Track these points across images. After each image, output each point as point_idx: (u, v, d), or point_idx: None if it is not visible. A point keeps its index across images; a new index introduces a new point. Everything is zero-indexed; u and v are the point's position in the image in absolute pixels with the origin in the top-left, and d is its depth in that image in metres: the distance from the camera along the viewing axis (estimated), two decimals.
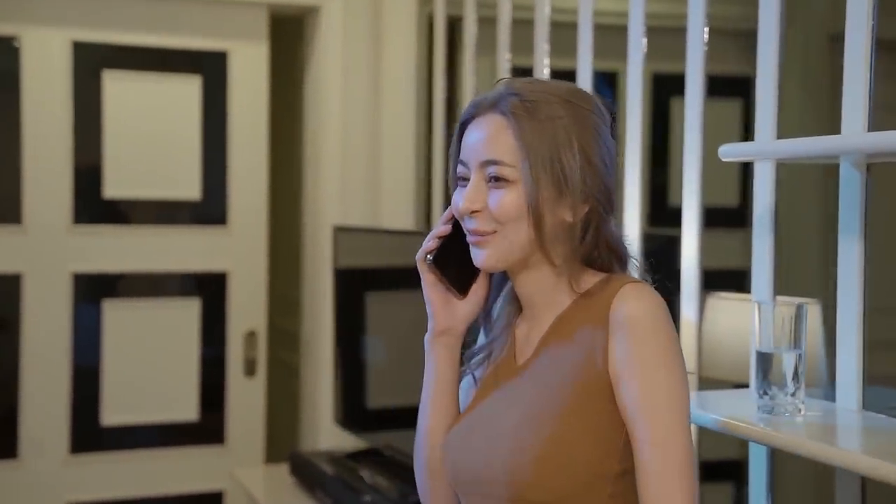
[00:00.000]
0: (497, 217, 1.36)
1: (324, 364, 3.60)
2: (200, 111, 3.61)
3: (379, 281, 3.30)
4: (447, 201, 3.60)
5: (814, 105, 3.86)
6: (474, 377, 1.50)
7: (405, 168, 3.59)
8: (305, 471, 3.20)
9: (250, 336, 3.67)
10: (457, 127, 1.45)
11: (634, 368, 1.29)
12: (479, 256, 1.39)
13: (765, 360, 1.71)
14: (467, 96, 3.23)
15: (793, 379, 1.70)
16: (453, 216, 1.45)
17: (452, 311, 1.47)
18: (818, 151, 1.68)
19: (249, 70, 3.66)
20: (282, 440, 3.99)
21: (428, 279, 1.47)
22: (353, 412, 3.36)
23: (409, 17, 3.58)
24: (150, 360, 3.57)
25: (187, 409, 3.62)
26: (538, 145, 1.34)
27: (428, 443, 1.49)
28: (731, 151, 1.78)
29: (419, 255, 1.47)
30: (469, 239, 1.40)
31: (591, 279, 1.40)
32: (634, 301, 1.31)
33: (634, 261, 1.45)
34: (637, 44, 2.35)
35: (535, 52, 2.78)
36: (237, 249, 3.66)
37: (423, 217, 3.61)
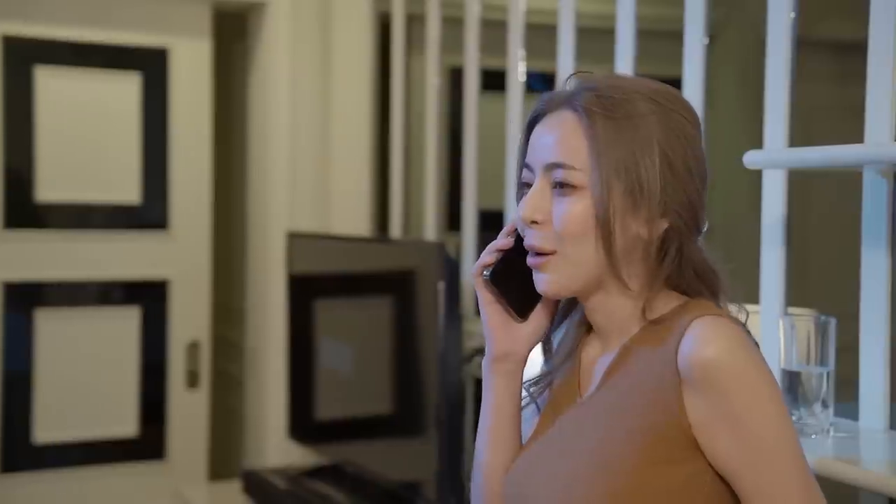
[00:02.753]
0: (560, 231, 1.20)
1: (271, 375, 3.45)
2: (140, 110, 3.43)
3: (334, 288, 3.17)
4: (406, 207, 3.50)
5: (747, 107, 3.87)
6: (538, 406, 1.35)
7: (359, 172, 3.47)
8: (260, 489, 3.06)
9: (193, 346, 3.51)
10: (524, 125, 1.28)
11: (723, 423, 1.12)
12: (541, 282, 1.23)
13: (792, 379, 1.65)
14: (430, 97, 3.13)
15: (821, 398, 1.64)
16: (516, 228, 1.28)
17: (513, 333, 1.30)
18: (845, 160, 1.62)
19: (191, 68, 3.49)
20: (224, 455, 3.82)
21: (485, 298, 1.30)
22: (305, 425, 3.22)
23: (361, 14, 3.46)
24: (87, 373, 3.38)
25: (126, 424, 3.43)
26: (612, 147, 1.17)
27: (486, 479, 1.33)
28: (757, 160, 1.71)
29: (475, 271, 1.30)
30: (529, 260, 1.24)
31: (667, 304, 1.22)
32: (703, 344, 1.12)
33: (727, 290, 1.24)
34: (627, 47, 2.28)
35: (508, 54, 2.69)
36: (179, 256, 3.49)
37: (379, 223, 3.49)
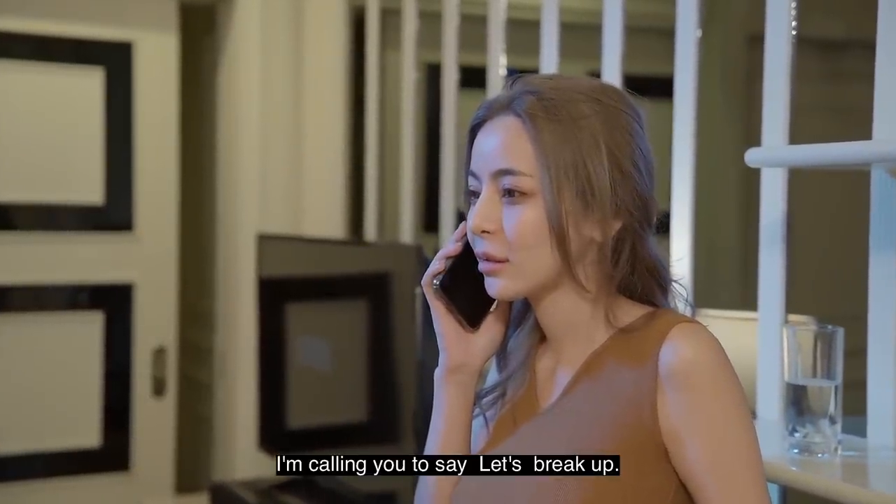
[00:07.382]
0: (512, 241, 1.17)
1: (241, 382, 3.33)
2: (103, 107, 3.32)
3: (307, 292, 3.06)
4: (381, 207, 3.40)
5: (729, 103, 3.83)
6: (485, 418, 1.31)
7: (332, 171, 3.37)
8: (228, 503, 2.94)
9: (159, 352, 3.39)
10: (467, 133, 1.25)
11: (698, 427, 1.12)
12: (493, 286, 1.20)
13: (796, 393, 1.55)
14: (406, 94, 3.02)
15: (829, 414, 1.53)
16: (465, 233, 1.25)
17: (468, 344, 1.27)
18: (852, 158, 1.52)
19: (157, 63, 3.39)
20: (192, 467, 3.70)
21: (438, 308, 1.26)
22: (277, 434, 3.11)
23: (335, 8, 3.35)
24: (47, 381, 3.26)
25: (88, 434, 3.32)
26: (559, 151, 1.15)
27: (434, 492, 1.30)
28: (758, 157, 1.61)
29: (425, 280, 1.27)
30: (481, 266, 1.21)
31: (631, 311, 1.21)
32: (688, 348, 1.13)
33: (677, 285, 1.25)
34: (614, 44, 2.18)
35: (489, 50, 2.59)
36: (144, 258, 3.39)
37: (353, 225, 3.39)
